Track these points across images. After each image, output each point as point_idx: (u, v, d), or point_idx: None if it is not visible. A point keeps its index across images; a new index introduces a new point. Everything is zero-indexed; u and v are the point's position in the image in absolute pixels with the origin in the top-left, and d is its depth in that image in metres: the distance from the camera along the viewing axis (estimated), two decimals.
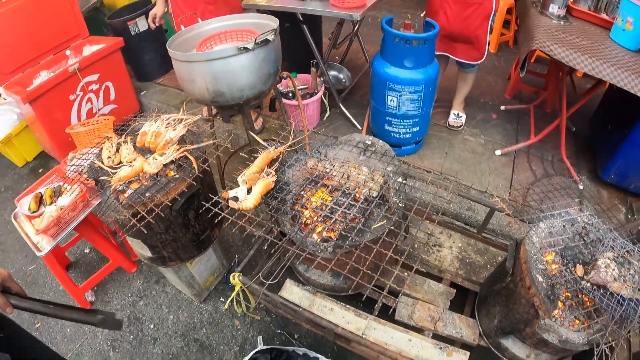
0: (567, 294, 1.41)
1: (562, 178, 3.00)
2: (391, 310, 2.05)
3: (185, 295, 2.60)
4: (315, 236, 1.65)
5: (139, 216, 1.65)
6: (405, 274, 2.25)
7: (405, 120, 2.78)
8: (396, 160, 1.95)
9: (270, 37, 1.94)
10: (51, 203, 2.40)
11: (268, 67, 2.06)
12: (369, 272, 1.47)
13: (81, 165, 2.06)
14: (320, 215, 1.66)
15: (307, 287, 2.09)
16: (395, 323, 1.92)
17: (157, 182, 1.78)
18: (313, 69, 2.96)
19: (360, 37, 3.72)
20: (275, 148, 1.88)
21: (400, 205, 1.75)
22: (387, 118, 2.82)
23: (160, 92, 4.31)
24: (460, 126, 3.26)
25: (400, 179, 1.85)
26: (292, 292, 2.11)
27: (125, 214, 1.71)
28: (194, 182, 1.82)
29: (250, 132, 2.11)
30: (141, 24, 3.90)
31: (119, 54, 3.65)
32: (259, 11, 2.72)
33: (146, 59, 4.30)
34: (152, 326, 2.52)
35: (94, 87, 3.53)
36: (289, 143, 1.91)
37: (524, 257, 1.51)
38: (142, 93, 4.27)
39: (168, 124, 2.01)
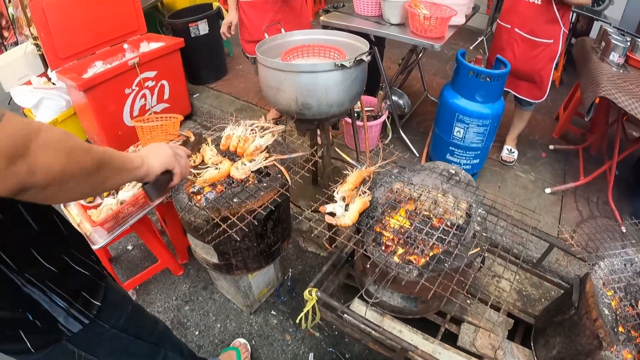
0: (621, 329, 1.45)
1: (607, 220, 2.97)
2: (441, 332, 2.02)
3: (234, 304, 2.50)
4: (396, 258, 1.62)
5: (229, 222, 1.57)
6: (468, 301, 2.19)
7: (468, 152, 2.75)
8: (479, 191, 1.90)
9: (365, 57, 1.89)
10: (108, 195, 2.31)
11: (357, 86, 2.01)
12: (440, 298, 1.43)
13: None
14: (405, 237, 1.63)
15: (375, 307, 2.02)
16: (458, 349, 1.92)
17: (245, 188, 1.70)
18: (380, 93, 2.91)
19: (421, 65, 3.69)
20: (366, 167, 1.82)
21: (484, 235, 1.72)
22: (450, 148, 2.78)
23: (214, 97, 4.25)
24: (513, 162, 3.24)
25: (481, 209, 1.82)
26: (360, 312, 2.03)
27: (208, 217, 1.63)
28: (285, 192, 1.75)
29: (338, 150, 2.04)
30: (202, 28, 3.86)
31: (177, 54, 3.60)
32: (333, 29, 2.67)
33: (202, 63, 4.26)
34: (197, 333, 2.41)
35: (150, 83, 3.46)
36: (379, 164, 1.84)
37: (591, 291, 1.57)
38: (194, 96, 4.20)
39: (252, 130, 1.94)
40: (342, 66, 1.83)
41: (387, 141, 3.29)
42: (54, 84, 3.60)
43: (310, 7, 5.63)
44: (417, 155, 3.17)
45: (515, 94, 2.90)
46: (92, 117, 3.26)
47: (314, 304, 1.89)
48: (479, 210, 1.82)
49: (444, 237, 1.61)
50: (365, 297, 2.10)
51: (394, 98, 3.32)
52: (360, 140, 2.59)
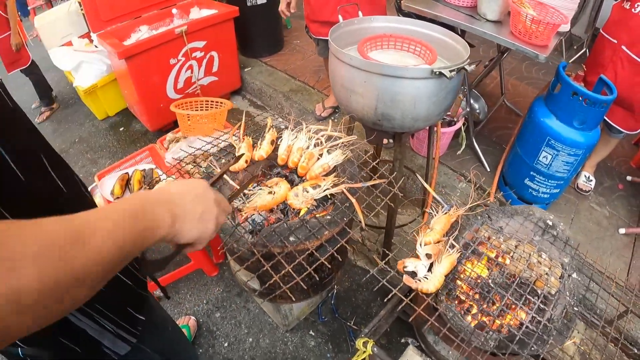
0: None
1: None
2: None
3: (269, 318, 2.18)
4: (469, 318, 1.36)
5: (282, 272, 1.19)
6: None
7: (550, 180, 2.29)
8: (578, 254, 1.50)
9: (468, 67, 1.43)
10: (139, 189, 1.97)
11: (450, 99, 1.56)
12: None
13: (183, 159, 1.63)
14: (483, 290, 1.33)
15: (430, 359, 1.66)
16: None
17: (305, 223, 1.31)
18: (460, 96, 2.42)
19: (502, 66, 3.13)
20: (454, 209, 1.40)
21: (575, 309, 1.35)
22: (531, 173, 2.31)
23: (267, 73, 3.81)
24: (589, 191, 2.76)
25: (576, 276, 1.43)
26: None
27: (256, 254, 1.26)
28: (347, 228, 1.37)
29: (425, 184, 1.62)
30: None
31: (231, 24, 3.16)
32: (417, 17, 2.18)
33: (257, 35, 3.83)
34: (226, 344, 2.11)
35: (198, 54, 3.06)
36: (469, 206, 1.42)
37: None
38: (245, 69, 3.77)
39: (317, 140, 1.53)
40: (440, 74, 1.38)
41: (460, 152, 2.81)
42: (96, 46, 3.26)
43: None
44: (488, 170, 2.70)
45: (607, 119, 2.38)
46: (133, 87, 2.90)
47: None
48: (574, 276, 1.43)
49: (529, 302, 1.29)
50: (421, 344, 1.77)
51: (470, 101, 2.82)
52: (432, 146, 2.16)
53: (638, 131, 2.37)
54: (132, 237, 0.53)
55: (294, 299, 1.69)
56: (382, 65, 1.42)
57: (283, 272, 1.15)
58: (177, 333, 1.23)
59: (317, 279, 1.19)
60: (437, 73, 1.37)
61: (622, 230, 2.58)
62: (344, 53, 1.48)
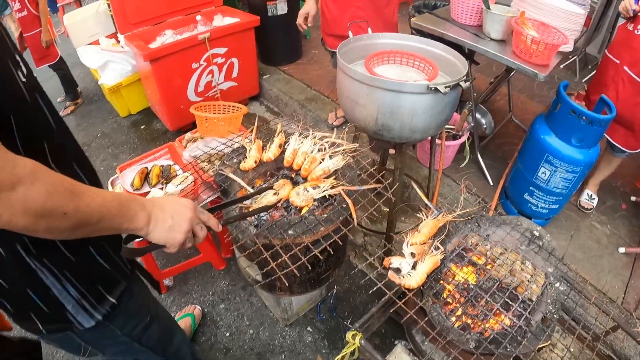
0: None
1: None
2: None
3: (271, 312, 2.31)
4: (453, 318, 1.42)
5: (279, 260, 1.33)
6: None
7: (548, 196, 2.37)
8: (562, 264, 1.59)
9: (464, 84, 1.56)
10: (156, 183, 2.13)
11: (447, 113, 1.68)
12: None
13: (199, 157, 1.79)
14: (469, 295, 1.42)
15: (417, 358, 1.77)
16: None
17: (303, 219, 1.45)
18: (465, 111, 2.55)
19: (511, 83, 3.23)
20: (443, 215, 1.52)
21: (555, 316, 1.43)
22: (530, 188, 2.40)
23: (284, 81, 3.97)
24: (591, 209, 2.81)
25: (559, 285, 1.52)
26: (400, 359, 1.80)
27: (257, 243, 1.40)
28: (342, 227, 1.50)
29: (415, 186, 1.75)
30: (280, 7, 3.58)
31: (252, 33, 3.34)
32: (422, 34, 2.32)
33: (276, 44, 4.02)
34: (227, 334, 2.25)
35: (219, 60, 3.24)
36: (458, 212, 1.54)
37: None
38: (264, 77, 3.95)
39: (322, 146, 1.67)
40: (436, 90, 1.51)
41: (463, 164, 2.92)
42: (122, 47, 3.47)
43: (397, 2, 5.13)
44: (491, 184, 2.80)
45: (609, 138, 2.46)
46: (156, 87, 3.09)
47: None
48: (557, 286, 1.52)
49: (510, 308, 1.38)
50: (410, 343, 1.88)
51: (477, 116, 2.93)
52: (434, 158, 2.27)
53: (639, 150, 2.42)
54: (110, 215, 0.76)
55: (292, 292, 1.83)
56: (382, 80, 1.56)
57: (280, 260, 1.28)
58: (163, 327, 1.27)
59: (310, 268, 1.32)
60: (433, 89, 1.51)
61: (622, 250, 2.63)
62: (349, 67, 1.63)
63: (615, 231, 2.76)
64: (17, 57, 0.78)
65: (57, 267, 0.87)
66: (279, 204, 1.51)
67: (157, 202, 0.87)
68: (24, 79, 0.77)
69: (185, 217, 0.89)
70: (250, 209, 1.44)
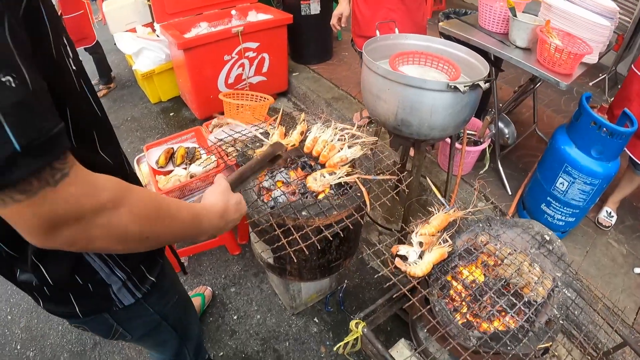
0: None
1: None
2: None
3: (280, 300, 2.37)
4: (457, 316, 1.44)
5: (290, 237, 1.39)
6: None
7: (566, 208, 2.37)
8: (570, 269, 1.61)
9: (483, 84, 1.60)
10: (181, 163, 2.23)
11: (466, 113, 1.73)
12: None
13: (224, 139, 1.87)
14: (475, 293, 1.45)
15: (418, 354, 1.80)
16: None
17: (318, 202, 1.52)
18: (487, 118, 2.58)
19: (536, 94, 3.25)
20: (454, 210, 1.57)
21: (560, 322, 1.45)
22: (548, 198, 2.41)
23: (313, 79, 4.07)
24: (609, 227, 2.78)
25: (567, 292, 1.54)
26: (402, 354, 1.84)
27: (271, 221, 1.47)
28: (356, 213, 1.55)
29: (429, 180, 1.80)
30: (313, 7, 3.69)
31: (284, 30, 3.44)
32: (447, 38, 2.37)
33: (307, 42, 4.12)
34: (235, 317, 2.32)
35: (251, 54, 3.35)
36: (470, 209, 1.58)
37: None
38: (293, 74, 4.06)
39: (342, 136, 1.74)
40: (455, 89, 1.57)
41: (482, 172, 2.94)
42: (157, 36, 3.61)
43: (430, 6, 5.21)
44: (510, 193, 2.81)
45: (631, 155, 2.45)
46: (187, 76, 3.22)
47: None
48: (564, 291, 1.54)
49: (514, 307, 1.40)
50: (413, 341, 1.91)
51: (500, 125, 2.95)
52: (454, 163, 2.31)
53: None
54: (184, 237, 0.80)
55: (302, 278, 1.89)
56: (404, 76, 1.62)
57: (291, 238, 1.35)
58: (183, 306, 1.30)
59: (320, 250, 1.38)
60: (453, 87, 1.56)
61: (638, 270, 2.60)
62: (373, 62, 1.70)
63: (632, 251, 2.73)
64: (65, 40, 0.71)
65: (108, 254, 0.89)
66: (297, 190, 1.58)
67: (228, 214, 0.91)
68: (74, 67, 0.73)
69: (234, 223, 0.95)
70: (269, 191, 1.51)
